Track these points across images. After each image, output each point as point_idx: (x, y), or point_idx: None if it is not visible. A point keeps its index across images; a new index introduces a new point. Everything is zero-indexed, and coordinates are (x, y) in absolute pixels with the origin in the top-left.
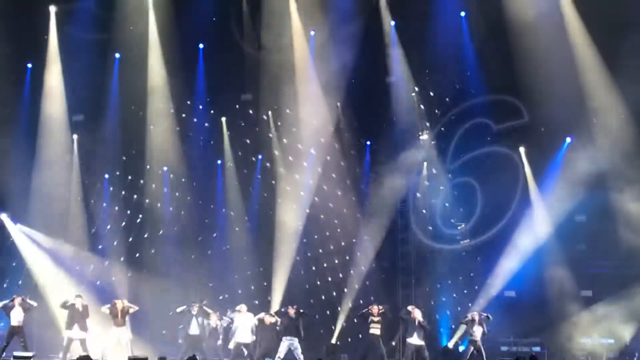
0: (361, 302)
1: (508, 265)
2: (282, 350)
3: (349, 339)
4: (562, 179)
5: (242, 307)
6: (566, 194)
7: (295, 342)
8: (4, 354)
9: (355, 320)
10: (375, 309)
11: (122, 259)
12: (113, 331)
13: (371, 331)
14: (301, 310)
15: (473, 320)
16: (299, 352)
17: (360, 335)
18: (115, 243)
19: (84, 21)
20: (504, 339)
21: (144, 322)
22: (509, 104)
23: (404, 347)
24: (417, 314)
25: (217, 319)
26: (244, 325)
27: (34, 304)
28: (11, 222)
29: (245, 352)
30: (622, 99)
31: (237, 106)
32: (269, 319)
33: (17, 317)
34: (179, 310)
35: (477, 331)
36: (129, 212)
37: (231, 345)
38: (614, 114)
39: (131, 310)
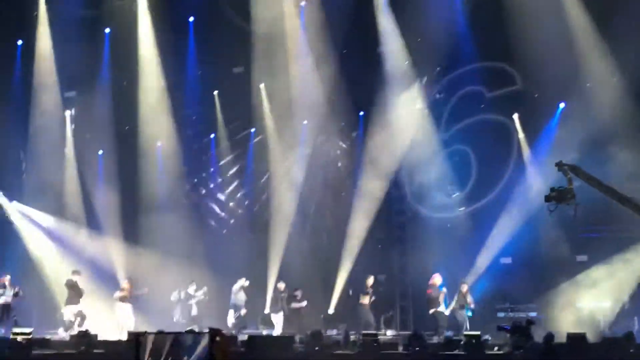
0: (357, 272)
1: (503, 231)
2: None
3: (346, 310)
4: (555, 144)
5: (240, 281)
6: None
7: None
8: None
9: (350, 293)
10: (370, 280)
11: (119, 234)
12: (121, 306)
13: (360, 301)
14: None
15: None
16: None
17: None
18: (111, 219)
19: None
20: (500, 305)
21: (141, 297)
22: (502, 70)
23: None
24: (438, 281)
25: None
26: (241, 297)
27: (21, 292)
28: (6, 199)
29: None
30: (616, 63)
31: (229, 79)
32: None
33: (7, 296)
34: (173, 298)
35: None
36: (124, 187)
37: (229, 318)
38: (607, 78)
39: (139, 292)
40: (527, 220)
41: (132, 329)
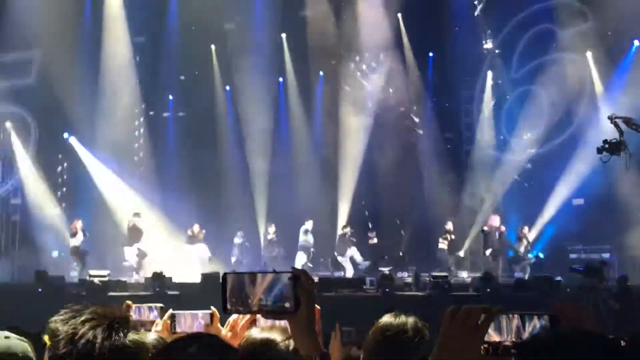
0: (427, 215)
1: (576, 172)
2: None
3: (417, 251)
4: (630, 83)
5: (308, 224)
6: (635, 98)
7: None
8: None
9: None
10: (449, 224)
11: (189, 180)
12: (189, 250)
13: (440, 246)
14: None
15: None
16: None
17: (427, 248)
18: (181, 164)
19: None
20: (572, 247)
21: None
22: (574, 7)
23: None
24: (495, 222)
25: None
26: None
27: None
28: (80, 145)
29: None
30: None
31: (296, 22)
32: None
33: (79, 239)
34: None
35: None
36: (194, 133)
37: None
38: None
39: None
40: (600, 160)
41: (201, 270)
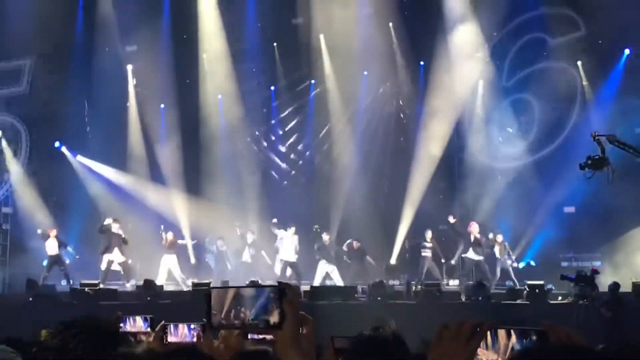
0: (419, 222)
1: (566, 180)
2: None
3: (409, 260)
4: (620, 91)
5: (290, 230)
6: (625, 107)
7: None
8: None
9: (407, 246)
10: (429, 233)
11: (181, 186)
12: (163, 259)
13: (422, 254)
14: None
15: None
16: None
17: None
18: (173, 171)
19: None
20: (563, 255)
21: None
22: (565, 16)
23: (462, 263)
24: (474, 229)
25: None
26: (288, 243)
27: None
28: (70, 154)
29: (290, 271)
30: None
31: (289, 31)
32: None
33: (52, 247)
34: (239, 231)
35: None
36: (186, 140)
37: (277, 266)
38: None
39: (179, 242)
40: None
41: (179, 279)
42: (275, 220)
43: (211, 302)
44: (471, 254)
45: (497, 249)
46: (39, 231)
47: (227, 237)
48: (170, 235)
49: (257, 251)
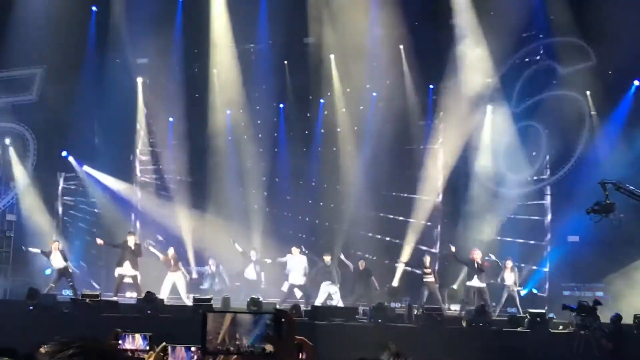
0: (423, 246)
1: (572, 209)
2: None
3: (411, 282)
4: (629, 123)
5: (295, 250)
6: (633, 138)
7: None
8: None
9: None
10: (427, 259)
11: (187, 201)
12: (168, 276)
13: (424, 279)
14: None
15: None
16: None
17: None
18: (180, 186)
19: None
20: (566, 284)
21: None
22: (576, 46)
23: (465, 290)
24: (477, 256)
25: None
26: (296, 267)
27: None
28: (77, 164)
29: (300, 294)
30: None
31: (300, 49)
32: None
33: (58, 261)
34: (239, 249)
35: (509, 278)
36: (193, 155)
37: (284, 287)
38: None
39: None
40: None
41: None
42: (278, 259)
43: (207, 326)
44: (475, 282)
45: (506, 275)
46: (38, 251)
47: (227, 254)
48: (171, 251)
49: (261, 268)
